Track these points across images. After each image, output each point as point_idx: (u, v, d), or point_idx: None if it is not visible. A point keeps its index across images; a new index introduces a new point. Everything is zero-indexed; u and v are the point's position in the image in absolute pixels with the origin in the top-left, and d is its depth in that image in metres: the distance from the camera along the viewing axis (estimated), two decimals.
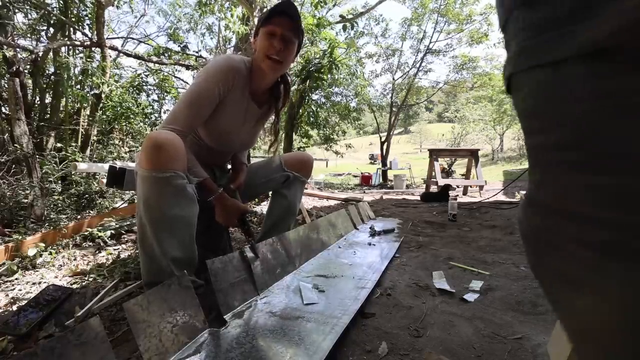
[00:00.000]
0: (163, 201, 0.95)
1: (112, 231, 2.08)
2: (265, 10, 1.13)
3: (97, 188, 3.41)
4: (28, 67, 3.85)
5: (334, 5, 6.64)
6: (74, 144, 3.87)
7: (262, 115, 1.34)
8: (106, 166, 2.04)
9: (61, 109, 4.10)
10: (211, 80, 1.08)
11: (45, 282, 1.44)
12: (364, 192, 5.68)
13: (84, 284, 1.37)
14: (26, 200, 2.76)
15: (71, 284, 1.38)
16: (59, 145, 3.84)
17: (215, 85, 1.09)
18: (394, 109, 11.83)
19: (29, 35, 4.09)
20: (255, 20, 4.72)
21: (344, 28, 6.03)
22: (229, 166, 1.51)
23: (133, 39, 6.69)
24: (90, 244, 2.02)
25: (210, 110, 1.11)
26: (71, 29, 4.04)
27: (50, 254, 1.78)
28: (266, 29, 1.11)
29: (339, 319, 0.89)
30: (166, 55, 5.61)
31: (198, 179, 1.09)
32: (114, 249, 1.90)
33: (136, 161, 1.01)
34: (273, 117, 1.39)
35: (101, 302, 1.13)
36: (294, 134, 7.66)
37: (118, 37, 6.93)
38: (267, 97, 1.30)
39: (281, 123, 9.35)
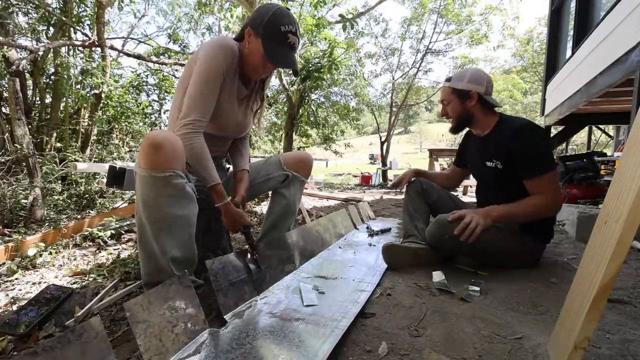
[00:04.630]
0: (162, 201, 0.95)
1: (112, 231, 2.08)
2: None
3: (97, 188, 3.41)
4: (28, 67, 3.85)
5: (333, 6, 6.64)
6: (74, 144, 3.87)
7: (249, 94, 1.32)
8: (106, 166, 2.04)
9: (61, 109, 4.10)
10: (216, 57, 1.08)
11: (45, 282, 1.44)
12: (364, 192, 5.68)
13: (84, 284, 1.37)
14: (26, 201, 2.76)
15: (71, 284, 1.38)
16: (59, 145, 3.84)
17: (222, 61, 1.09)
18: (394, 109, 11.83)
19: (29, 35, 4.09)
20: None
21: (344, 28, 6.03)
22: (229, 167, 1.51)
23: (133, 39, 6.70)
24: (90, 243, 2.02)
25: (219, 87, 1.12)
26: (71, 29, 4.04)
27: (50, 254, 1.78)
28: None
29: (339, 322, 0.89)
30: (166, 55, 5.61)
31: (210, 184, 1.08)
32: (114, 249, 1.90)
33: (136, 161, 1.01)
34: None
35: (101, 302, 1.13)
36: (294, 133, 7.66)
37: (118, 37, 6.93)
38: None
39: (281, 123, 9.37)
